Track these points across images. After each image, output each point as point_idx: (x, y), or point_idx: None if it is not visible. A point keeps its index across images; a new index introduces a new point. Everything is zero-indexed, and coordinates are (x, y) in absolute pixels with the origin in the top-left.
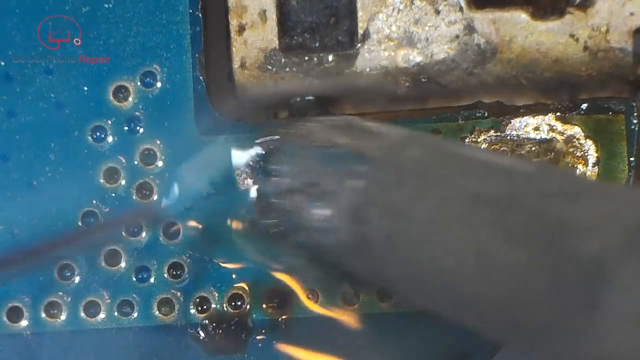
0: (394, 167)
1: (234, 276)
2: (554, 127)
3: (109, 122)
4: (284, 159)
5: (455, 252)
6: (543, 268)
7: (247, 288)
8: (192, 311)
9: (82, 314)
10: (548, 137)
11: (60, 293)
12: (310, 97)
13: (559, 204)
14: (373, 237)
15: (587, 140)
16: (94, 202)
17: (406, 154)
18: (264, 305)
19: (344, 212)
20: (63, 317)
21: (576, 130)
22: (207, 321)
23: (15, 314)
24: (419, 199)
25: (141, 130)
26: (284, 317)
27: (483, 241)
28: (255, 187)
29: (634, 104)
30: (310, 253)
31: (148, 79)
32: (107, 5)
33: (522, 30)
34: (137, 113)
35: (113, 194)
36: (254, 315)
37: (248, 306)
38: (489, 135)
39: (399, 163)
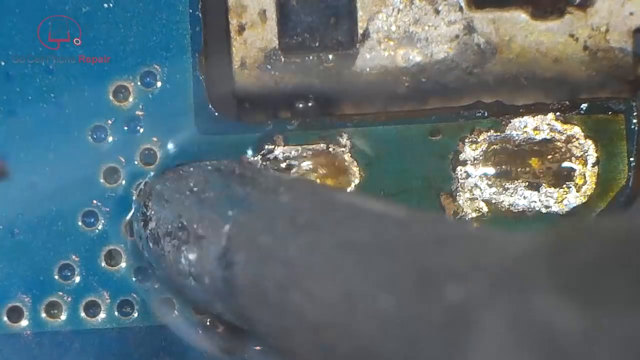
0: (263, 212)
1: None
2: (554, 127)
3: (109, 122)
4: (158, 202)
5: (322, 297)
6: (409, 314)
7: None
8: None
9: (83, 314)
10: (548, 137)
11: (61, 293)
12: (312, 103)
13: (427, 250)
14: (240, 281)
15: (587, 140)
16: (94, 202)
17: (277, 199)
18: None
19: (212, 256)
20: (63, 317)
21: (576, 130)
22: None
23: (15, 314)
24: (286, 244)
25: (141, 130)
26: None
27: (350, 286)
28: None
29: (634, 104)
30: (184, 298)
31: (148, 79)
32: (107, 5)
33: (521, 30)
34: (137, 113)
35: (113, 194)
36: None
37: None
38: (489, 135)
39: (269, 208)
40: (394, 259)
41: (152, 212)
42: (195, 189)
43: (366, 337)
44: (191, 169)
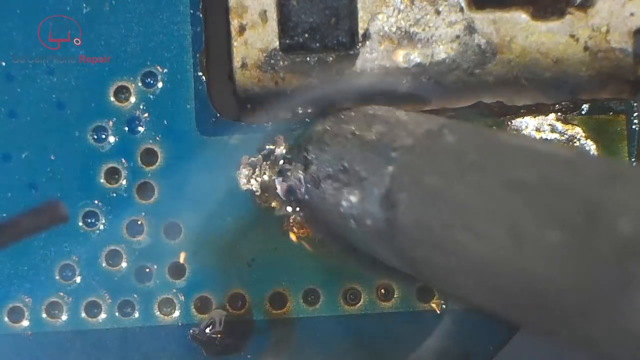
0: (426, 152)
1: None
2: (555, 128)
3: (110, 122)
4: (315, 146)
5: (487, 235)
6: (577, 248)
7: (247, 288)
8: (193, 311)
9: (83, 314)
10: (549, 138)
11: (61, 293)
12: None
13: (597, 187)
14: (403, 222)
15: (588, 140)
16: (94, 202)
17: (441, 140)
18: (265, 306)
19: (374, 197)
20: (64, 317)
21: (577, 131)
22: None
23: (15, 314)
24: (452, 183)
25: (142, 130)
26: (284, 317)
27: (517, 224)
28: (281, 180)
29: (635, 104)
30: (343, 243)
31: (149, 79)
32: (107, 5)
33: (522, 31)
34: (137, 113)
35: (114, 194)
36: (255, 316)
37: (249, 306)
38: None
39: (433, 148)
40: (562, 196)
41: (313, 156)
42: (356, 132)
43: (534, 273)
44: (352, 113)
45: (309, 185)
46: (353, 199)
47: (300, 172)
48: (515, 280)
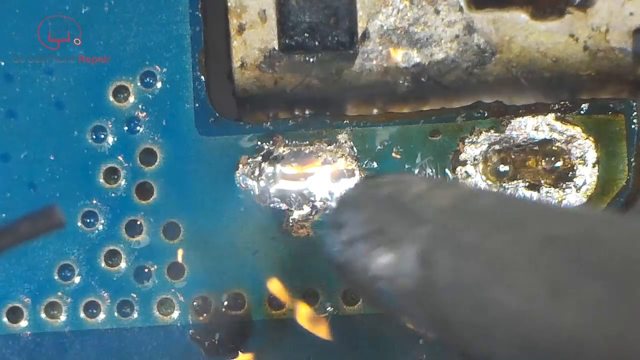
0: (463, 212)
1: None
2: (554, 127)
3: (109, 122)
4: (349, 208)
5: (526, 288)
6: (618, 304)
7: (247, 289)
8: (192, 311)
9: (82, 315)
10: (548, 137)
11: (60, 293)
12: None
13: (635, 243)
14: (439, 280)
15: (587, 140)
16: (94, 202)
17: (477, 201)
18: (264, 306)
19: (410, 256)
20: (63, 317)
21: (576, 130)
22: (207, 321)
23: (15, 315)
24: (489, 240)
25: (141, 130)
26: (284, 317)
27: (557, 278)
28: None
29: (634, 104)
30: (374, 304)
31: (148, 79)
32: (107, 5)
33: (522, 30)
34: (137, 113)
35: (113, 194)
36: (254, 316)
37: (248, 306)
38: (488, 135)
39: (469, 208)
40: (603, 251)
41: (346, 217)
42: (391, 194)
43: (571, 326)
44: (387, 177)
45: (340, 247)
46: (388, 258)
47: (333, 233)
48: (551, 333)
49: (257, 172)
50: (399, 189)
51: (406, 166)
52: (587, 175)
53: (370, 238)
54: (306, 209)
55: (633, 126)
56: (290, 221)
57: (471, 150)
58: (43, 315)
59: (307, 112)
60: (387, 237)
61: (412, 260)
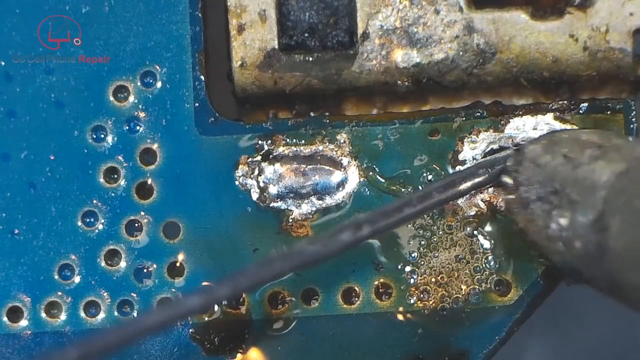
0: (638, 177)
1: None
2: (553, 127)
3: (109, 122)
4: (530, 167)
5: None
6: None
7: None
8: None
9: (82, 314)
10: None
11: (60, 293)
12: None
13: None
14: (614, 245)
15: None
16: (94, 202)
17: None
18: (264, 305)
19: (585, 220)
20: (63, 317)
21: None
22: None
23: (15, 314)
24: None
25: (141, 130)
26: (284, 317)
27: None
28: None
29: (633, 104)
30: (548, 262)
31: (148, 79)
32: (107, 5)
33: (521, 30)
34: (137, 113)
35: (113, 194)
36: (254, 316)
37: (248, 306)
38: (488, 134)
39: None
40: None
41: (524, 177)
42: (569, 154)
43: None
44: (564, 135)
45: (517, 207)
46: (563, 221)
47: (511, 192)
48: None
49: (256, 172)
50: (576, 150)
51: (406, 166)
52: None
53: (547, 199)
54: (305, 208)
55: (632, 126)
56: (290, 221)
57: (470, 150)
58: (43, 315)
59: (306, 112)
60: (564, 199)
61: (588, 223)
